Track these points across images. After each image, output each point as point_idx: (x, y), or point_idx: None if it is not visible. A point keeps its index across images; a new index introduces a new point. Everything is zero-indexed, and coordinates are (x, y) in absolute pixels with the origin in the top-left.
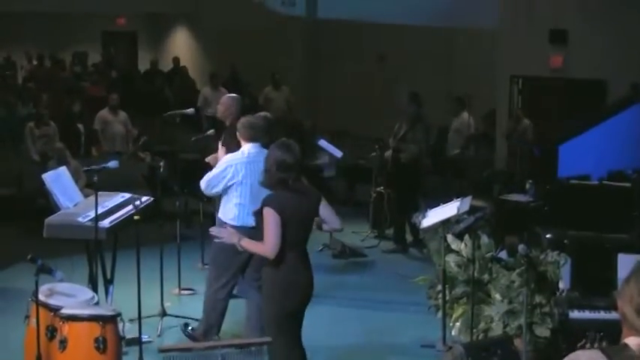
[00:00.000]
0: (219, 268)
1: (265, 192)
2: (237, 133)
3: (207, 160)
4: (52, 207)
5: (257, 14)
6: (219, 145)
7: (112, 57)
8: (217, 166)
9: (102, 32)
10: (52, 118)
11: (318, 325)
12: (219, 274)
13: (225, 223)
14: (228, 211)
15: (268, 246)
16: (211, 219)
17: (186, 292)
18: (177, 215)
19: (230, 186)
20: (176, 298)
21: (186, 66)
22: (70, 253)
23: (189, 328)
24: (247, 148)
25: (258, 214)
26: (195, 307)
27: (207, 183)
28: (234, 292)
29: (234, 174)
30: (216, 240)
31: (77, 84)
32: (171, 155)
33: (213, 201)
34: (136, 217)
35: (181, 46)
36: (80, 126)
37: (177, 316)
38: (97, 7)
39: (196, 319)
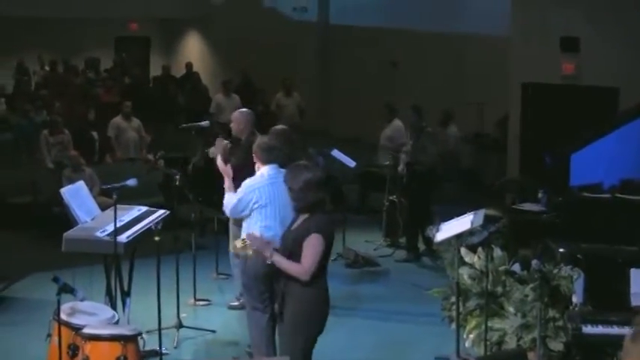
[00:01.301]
0: (252, 296)
1: (289, 212)
2: (254, 156)
3: (210, 151)
4: (67, 215)
5: (269, 20)
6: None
7: (125, 63)
8: (239, 191)
9: (114, 38)
10: (66, 125)
11: (332, 336)
12: (255, 302)
13: None
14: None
15: (306, 269)
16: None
17: (201, 302)
18: (192, 225)
19: (254, 209)
20: (191, 309)
21: (197, 72)
22: (85, 263)
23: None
24: (266, 170)
25: (296, 238)
26: (210, 318)
27: (232, 209)
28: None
29: (259, 198)
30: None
31: (90, 90)
32: (184, 163)
33: None
34: (156, 238)
35: (194, 51)
36: (94, 133)
37: (193, 328)
38: (109, 12)
39: (212, 331)
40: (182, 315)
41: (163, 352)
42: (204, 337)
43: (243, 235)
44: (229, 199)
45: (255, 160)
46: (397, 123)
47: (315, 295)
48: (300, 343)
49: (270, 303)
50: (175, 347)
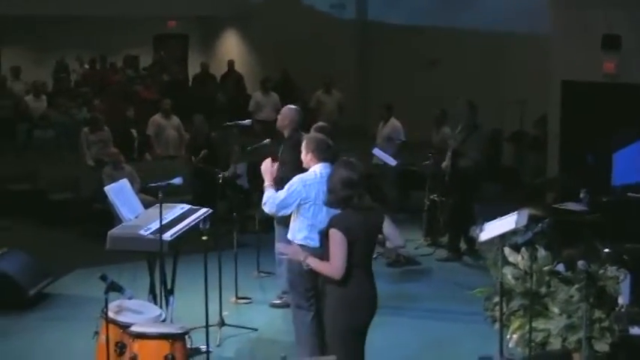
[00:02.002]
0: (298, 293)
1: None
2: (310, 154)
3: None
4: (107, 212)
5: (307, 17)
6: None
7: (164, 60)
8: (289, 185)
9: (153, 36)
10: (105, 122)
11: (376, 335)
12: (300, 300)
13: (295, 243)
14: (298, 232)
15: (335, 267)
16: (266, 225)
17: (242, 300)
18: (233, 222)
19: (302, 205)
20: (233, 307)
21: (237, 70)
22: (125, 260)
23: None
24: (319, 168)
25: (324, 235)
26: (251, 317)
27: (278, 204)
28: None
29: (307, 194)
30: (281, 255)
31: (129, 88)
32: (225, 161)
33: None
34: (203, 238)
35: (232, 49)
36: (133, 131)
37: (235, 326)
38: (148, 10)
39: (254, 329)
40: (224, 313)
41: (206, 349)
42: (246, 335)
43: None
44: (270, 195)
45: (307, 155)
46: (394, 122)
47: (348, 293)
48: (336, 332)
49: (315, 301)
50: (218, 345)
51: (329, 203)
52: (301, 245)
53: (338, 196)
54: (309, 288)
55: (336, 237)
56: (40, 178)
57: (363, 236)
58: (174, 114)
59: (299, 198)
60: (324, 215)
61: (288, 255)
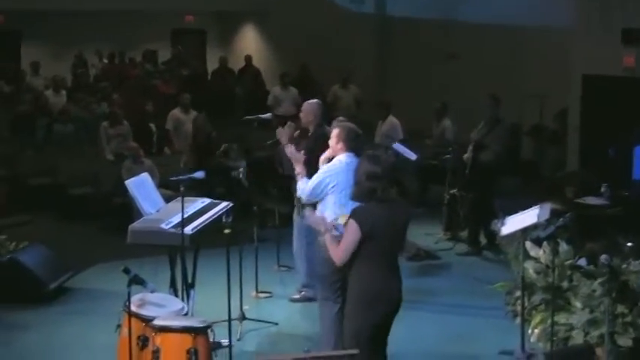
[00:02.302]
0: (325, 285)
1: None
2: (341, 143)
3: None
4: (127, 206)
5: (326, 11)
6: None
7: (182, 55)
8: (318, 174)
9: (171, 30)
10: (124, 117)
11: (396, 329)
12: (326, 292)
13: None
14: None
15: (339, 253)
16: (286, 220)
17: (263, 294)
18: (253, 217)
19: (328, 193)
20: (254, 302)
21: (255, 64)
22: (145, 254)
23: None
24: (344, 157)
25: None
26: (272, 311)
27: (309, 193)
28: (310, 294)
29: (337, 179)
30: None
31: (148, 82)
32: (244, 155)
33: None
34: (226, 231)
35: (250, 44)
36: (152, 125)
37: (256, 320)
38: (166, 4)
39: (274, 323)
40: (245, 307)
41: (227, 344)
42: (267, 329)
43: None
44: (304, 184)
45: (337, 144)
46: (392, 119)
47: (369, 288)
48: (354, 326)
49: (342, 294)
50: (239, 339)
51: (354, 196)
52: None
53: (362, 188)
54: (335, 280)
55: (351, 227)
56: (60, 173)
57: (387, 230)
58: (193, 108)
59: (326, 187)
60: (350, 204)
61: (310, 221)
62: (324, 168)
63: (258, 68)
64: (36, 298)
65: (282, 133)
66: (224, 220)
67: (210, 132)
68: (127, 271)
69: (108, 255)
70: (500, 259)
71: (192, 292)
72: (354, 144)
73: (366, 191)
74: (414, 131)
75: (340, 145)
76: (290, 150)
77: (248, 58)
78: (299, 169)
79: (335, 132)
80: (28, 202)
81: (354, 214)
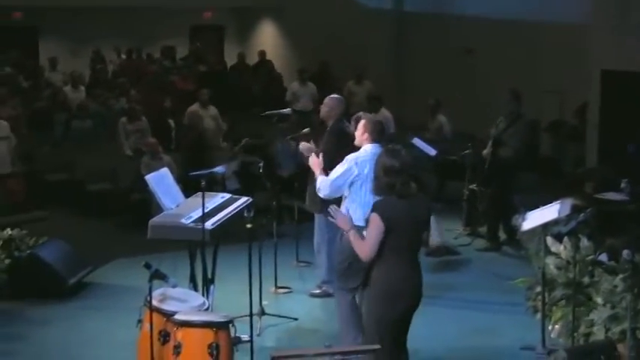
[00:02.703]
0: (338, 274)
1: None
2: (367, 134)
3: (300, 148)
4: (146, 201)
5: (343, 7)
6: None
7: (200, 51)
8: (340, 165)
9: (189, 26)
10: (143, 113)
11: (416, 325)
12: (340, 282)
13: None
14: (354, 213)
15: (365, 249)
16: (305, 215)
17: (282, 290)
18: (272, 212)
19: (354, 184)
20: (273, 297)
21: (271, 60)
22: (163, 249)
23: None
24: (370, 148)
25: (367, 219)
26: (291, 306)
27: (331, 186)
28: (330, 290)
29: (360, 171)
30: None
31: (166, 78)
32: (263, 151)
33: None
34: (248, 226)
35: (267, 40)
36: (170, 121)
37: (275, 315)
38: (184, 1)
39: (294, 318)
40: (264, 302)
41: (247, 339)
42: (286, 324)
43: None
44: (322, 179)
45: (362, 134)
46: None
47: (391, 282)
48: (372, 325)
49: (355, 283)
50: (258, 335)
51: (374, 190)
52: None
53: (381, 183)
54: (349, 270)
55: (374, 221)
56: (78, 169)
57: (408, 224)
58: (211, 104)
59: (351, 175)
60: (371, 197)
61: (335, 219)
62: (348, 157)
63: (273, 63)
64: (55, 293)
65: (306, 148)
66: (245, 215)
67: (203, 130)
68: (148, 266)
69: (126, 251)
70: (520, 255)
71: (212, 287)
72: (379, 135)
73: (385, 186)
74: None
75: (366, 136)
76: (311, 159)
77: (262, 53)
78: (318, 173)
79: (362, 123)
80: (46, 198)
81: (374, 208)
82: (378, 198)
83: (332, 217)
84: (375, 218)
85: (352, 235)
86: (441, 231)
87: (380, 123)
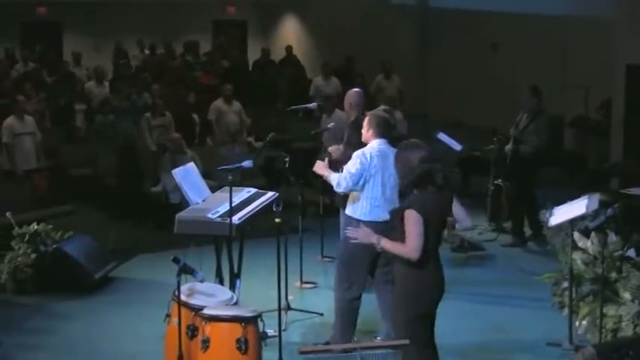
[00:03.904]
0: (348, 267)
1: (392, 186)
2: (371, 130)
3: (330, 149)
4: (167, 197)
5: (367, 2)
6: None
7: (223, 46)
8: (353, 162)
9: (212, 21)
10: (166, 108)
11: (441, 320)
12: (349, 273)
13: (355, 219)
14: (359, 207)
15: (411, 248)
16: (330, 210)
17: (307, 285)
18: (298, 207)
19: (366, 179)
20: (298, 292)
21: (296, 55)
22: (193, 244)
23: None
24: (376, 143)
25: (396, 215)
26: (316, 301)
27: (351, 179)
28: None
29: (368, 165)
30: (351, 240)
31: (189, 73)
32: (286, 145)
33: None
34: (277, 221)
35: (291, 35)
36: (194, 116)
37: (300, 310)
38: None
39: (319, 314)
40: (289, 297)
41: (272, 334)
42: (311, 319)
43: None
44: (336, 176)
45: (368, 131)
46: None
47: (422, 277)
48: (404, 316)
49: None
50: (284, 330)
51: (405, 187)
52: (364, 221)
53: (417, 174)
54: (357, 267)
55: (413, 217)
56: (101, 164)
57: (436, 218)
58: (235, 99)
59: (365, 169)
60: (379, 191)
61: (358, 239)
62: (356, 153)
63: (298, 59)
64: (81, 288)
65: (334, 150)
66: (274, 210)
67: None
68: (176, 260)
69: (151, 245)
70: (545, 251)
71: (237, 282)
72: (384, 131)
73: (424, 175)
74: (453, 122)
75: (370, 132)
76: (317, 165)
77: (289, 49)
78: (327, 172)
79: (366, 119)
80: (71, 192)
81: (410, 204)
82: (385, 192)
83: (354, 238)
84: (414, 214)
85: (385, 243)
86: (464, 215)
87: (384, 118)
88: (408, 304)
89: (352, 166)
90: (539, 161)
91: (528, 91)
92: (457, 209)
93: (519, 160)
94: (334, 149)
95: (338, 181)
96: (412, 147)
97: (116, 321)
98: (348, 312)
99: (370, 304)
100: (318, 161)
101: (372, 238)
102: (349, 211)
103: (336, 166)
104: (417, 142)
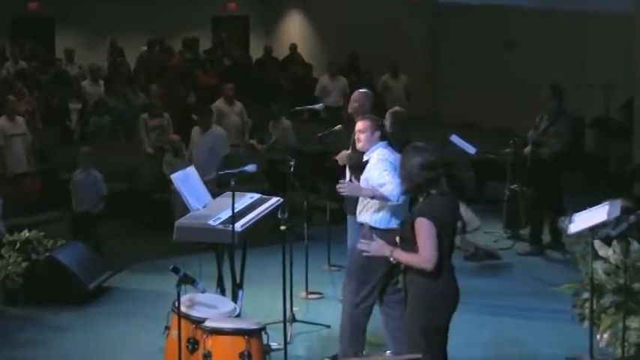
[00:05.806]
0: (358, 280)
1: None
2: (377, 131)
3: (337, 158)
4: (167, 202)
5: None
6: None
7: (224, 43)
8: (382, 168)
9: (212, 17)
10: (165, 108)
11: (454, 332)
12: (360, 286)
13: (369, 227)
14: (373, 214)
15: (425, 257)
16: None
17: (313, 295)
18: (303, 214)
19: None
20: (304, 302)
21: (300, 53)
22: (192, 252)
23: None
24: (384, 144)
25: (408, 225)
26: (323, 312)
27: (398, 189)
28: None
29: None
30: (364, 253)
31: (189, 72)
32: (293, 150)
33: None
34: (282, 228)
35: (294, 32)
36: (194, 116)
37: (306, 322)
38: None
39: (326, 326)
40: (295, 309)
41: (277, 347)
42: (317, 332)
43: None
44: (382, 190)
45: (372, 135)
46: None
47: (436, 288)
48: (418, 327)
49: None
50: (289, 342)
51: (407, 191)
52: (376, 229)
53: (417, 181)
54: (365, 281)
55: (425, 225)
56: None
57: (449, 225)
58: (236, 99)
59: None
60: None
61: (370, 253)
62: (381, 159)
63: (302, 57)
64: (74, 298)
65: (343, 157)
66: (280, 216)
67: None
68: (175, 270)
69: (147, 254)
70: (565, 259)
71: (240, 292)
72: (384, 133)
73: (425, 182)
74: (466, 123)
75: (377, 135)
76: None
77: (293, 47)
78: (368, 193)
79: (366, 124)
80: (62, 197)
81: (421, 212)
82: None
83: (367, 252)
84: (425, 222)
85: (399, 254)
86: (473, 217)
87: (378, 119)
88: (422, 315)
89: (387, 174)
90: (560, 165)
91: (550, 90)
92: (463, 209)
93: (540, 164)
94: (342, 156)
95: (389, 194)
96: (414, 152)
97: (112, 334)
98: (357, 329)
99: (379, 314)
100: (355, 183)
101: (386, 250)
102: (364, 218)
103: (355, 172)
104: (422, 146)
